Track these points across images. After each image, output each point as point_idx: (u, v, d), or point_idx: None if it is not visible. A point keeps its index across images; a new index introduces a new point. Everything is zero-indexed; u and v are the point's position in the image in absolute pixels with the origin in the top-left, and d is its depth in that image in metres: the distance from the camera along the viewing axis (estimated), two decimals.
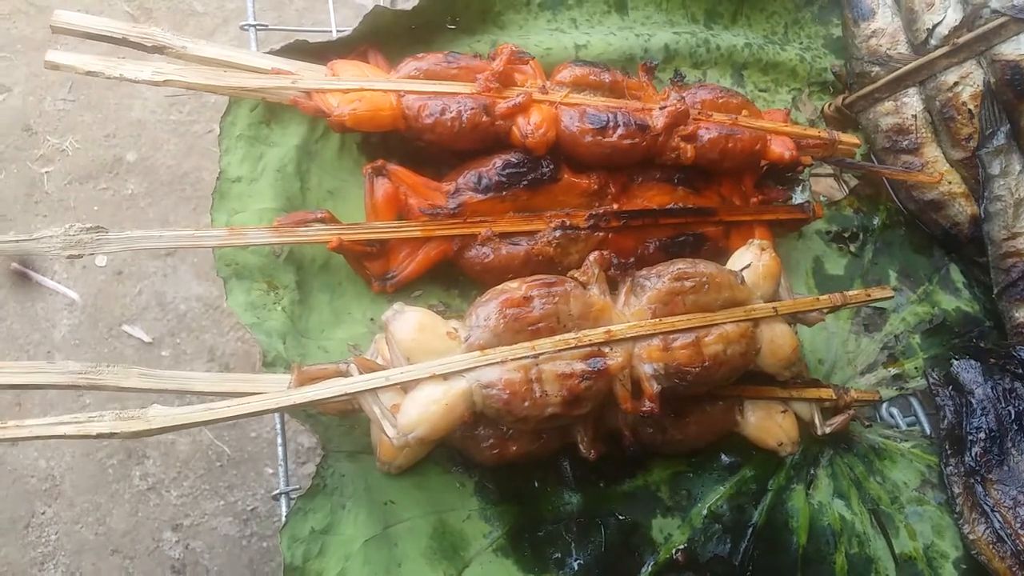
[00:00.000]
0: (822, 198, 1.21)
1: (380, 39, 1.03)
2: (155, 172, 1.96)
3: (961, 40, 1.15)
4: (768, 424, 0.96)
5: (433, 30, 1.09)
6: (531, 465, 0.91)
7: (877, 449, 1.04)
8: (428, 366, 0.80)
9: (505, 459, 0.87)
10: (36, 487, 1.64)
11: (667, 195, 1.04)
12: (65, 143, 1.93)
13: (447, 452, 0.90)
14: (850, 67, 1.26)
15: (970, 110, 1.16)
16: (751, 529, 0.93)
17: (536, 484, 0.92)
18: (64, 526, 1.62)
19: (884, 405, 1.10)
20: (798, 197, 1.18)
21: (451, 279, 1.00)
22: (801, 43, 1.31)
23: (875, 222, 1.21)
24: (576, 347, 0.83)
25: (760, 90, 1.25)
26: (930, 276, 1.20)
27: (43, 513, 1.62)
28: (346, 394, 0.78)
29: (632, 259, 0.90)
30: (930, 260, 1.21)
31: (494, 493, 0.89)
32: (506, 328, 0.82)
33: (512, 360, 0.81)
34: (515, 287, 0.84)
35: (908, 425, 1.09)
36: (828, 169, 1.22)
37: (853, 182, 1.23)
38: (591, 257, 0.88)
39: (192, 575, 1.61)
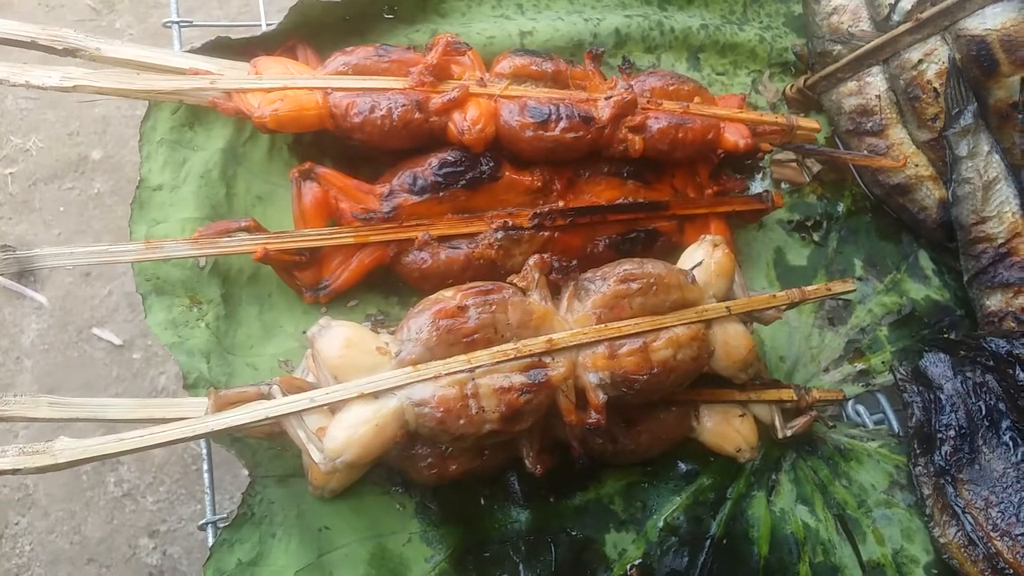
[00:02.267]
0: (784, 185, 1.16)
1: (311, 32, 0.97)
2: (121, 169, 1.91)
3: (924, 15, 1.09)
4: (725, 429, 0.91)
5: (369, 20, 1.04)
6: (476, 482, 0.87)
7: (843, 450, 1.00)
8: (356, 385, 0.75)
9: (445, 478, 0.82)
10: (9, 497, 1.60)
11: (616, 190, 0.98)
12: (29, 143, 1.89)
13: (386, 472, 0.85)
14: (811, 46, 1.21)
15: (935, 89, 1.11)
16: (709, 541, 0.89)
17: (482, 502, 0.87)
18: (38, 536, 1.58)
19: (850, 403, 1.05)
20: (757, 186, 1.13)
21: (390, 286, 0.94)
22: (761, 22, 1.26)
23: (840, 209, 1.16)
24: (515, 358, 0.78)
25: (718, 74, 1.19)
26: (898, 264, 1.15)
27: (17, 523, 1.59)
28: (267, 418, 0.73)
29: (575, 261, 0.84)
30: (898, 247, 1.16)
31: (436, 514, 0.84)
32: (439, 341, 0.77)
33: (446, 375, 0.76)
34: (449, 296, 0.79)
35: (875, 423, 1.04)
36: (790, 154, 1.17)
37: (817, 167, 1.18)
38: (531, 261, 0.83)
39: None
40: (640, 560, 0.87)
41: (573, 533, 0.87)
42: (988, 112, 1.10)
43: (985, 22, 1.07)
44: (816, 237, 1.14)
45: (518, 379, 0.77)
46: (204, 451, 0.85)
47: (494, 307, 0.79)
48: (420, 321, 0.78)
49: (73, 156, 1.89)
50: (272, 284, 0.91)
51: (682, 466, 0.93)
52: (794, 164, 1.17)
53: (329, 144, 0.96)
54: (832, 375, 1.06)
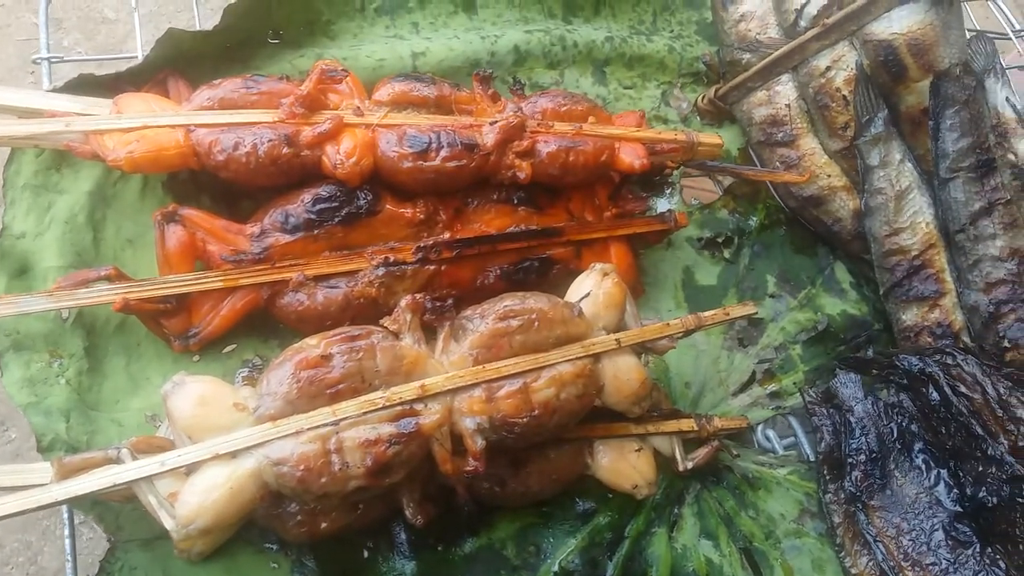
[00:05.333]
0: (694, 201, 1.12)
1: (188, 64, 0.92)
2: None
3: (831, 20, 1.06)
4: (621, 466, 0.87)
5: (253, 47, 0.99)
6: (358, 534, 0.83)
7: (750, 479, 0.96)
8: (210, 445, 0.71)
9: (317, 536, 0.78)
10: None
11: (507, 217, 0.94)
12: None
13: (260, 528, 0.81)
14: (722, 55, 1.17)
15: (844, 96, 1.07)
16: None
17: (365, 554, 0.83)
18: None
19: (760, 428, 1.02)
20: (667, 203, 1.09)
21: (270, 328, 0.90)
22: (671, 31, 1.22)
23: (752, 223, 1.13)
24: (384, 407, 0.74)
25: (625, 87, 1.16)
26: (813, 279, 1.11)
27: None
28: (114, 485, 0.69)
29: (450, 301, 0.80)
30: (813, 260, 1.13)
31: (313, 571, 0.80)
32: (301, 394, 0.73)
33: (308, 430, 0.72)
34: (312, 344, 0.75)
35: (787, 448, 1.01)
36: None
37: (729, 181, 1.14)
38: (402, 302, 0.79)
39: None
40: None
41: None
42: (900, 119, 1.07)
43: (892, 26, 1.03)
44: (727, 254, 1.10)
45: (386, 430, 0.74)
46: (65, 515, 0.80)
47: (361, 354, 0.75)
48: (280, 374, 0.74)
49: None
50: (141, 333, 0.86)
51: (580, 505, 0.89)
52: (706, 179, 1.14)
53: (207, 181, 0.92)
54: (741, 399, 1.02)
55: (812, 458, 0.98)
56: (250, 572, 0.79)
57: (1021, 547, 0.86)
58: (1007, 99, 0.97)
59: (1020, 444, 0.89)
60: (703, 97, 1.19)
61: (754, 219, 1.13)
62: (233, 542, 0.80)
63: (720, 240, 1.10)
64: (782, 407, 1.02)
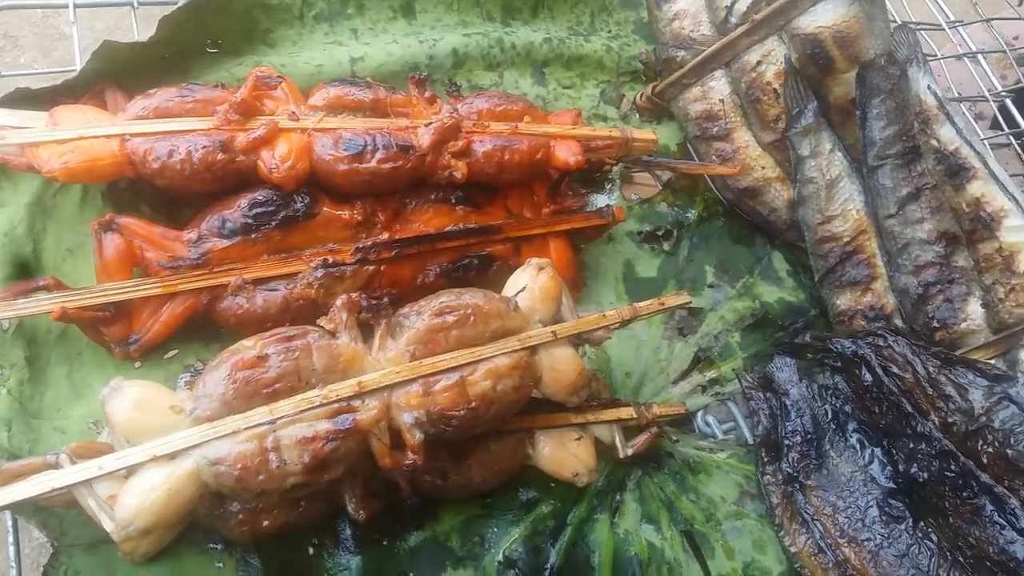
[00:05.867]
0: (634, 196, 1.15)
1: (126, 75, 0.93)
2: None
3: (759, 16, 1.09)
4: (562, 455, 0.89)
5: (192, 57, 1.01)
6: (303, 531, 0.84)
7: (691, 464, 0.98)
8: (148, 448, 0.72)
9: (259, 534, 0.79)
10: None
11: (446, 216, 0.96)
12: None
13: (205, 529, 0.82)
14: (658, 53, 1.20)
15: (775, 89, 1.10)
16: (549, 571, 0.87)
17: (311, 551, 0.84)
18: None
19: (700, 413, 1.04)
20: (604, 200, 1.11)
21: (212, 332, 0.91)
22: (609, 31, 1.24)
23: (691, 216, 1.15)
24: (321, 405, 0.75)
25: (564, 87, 1.18)
26: (751, 268, 1.14)
27: None
28: (53, 490, 0.70)
29: (386, 299, 0.82)
30: (751, 250, 1.15)
31: (257, 570, 0.81)
32: (237, 394, 0.74)
33: (246, 429, 0.73)
34: (248, 346, 0.76)
35: (725, 433, 1.03)
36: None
37: (667, 175, 1.17)
38: (338, 302, 0.80)
39: None
40: None
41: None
42: (830, 110, 1.10)
43: (817, 19, 1.06)
44: (667, 247, 1.12)
45: (323, 427, 0.75)
46: (9, 522, 0.81)
47: (297, 353, 0.76)
48: (216, 375, 0.75)
49: None
50: (83, 342, 0.87)
51: (523, 495, 0.91)
52: (644, 174, 1.16)
53: (147, 191, 0.93)
54: (681, 387, 1.04)
55: (751, 441, 1.01)
56: (195, 573, 0.80)
57: (951, 520, 0.89)
58: (928, 87, 0.99)
59: (949, 420, 0.92)
60: (641, 95, 1.21)
61: (693, 212, 1.16)
62: (178, 543, 0.80)
63: (660, 233, 1.13)
64: (721, 393, 1.05)
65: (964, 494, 0.88)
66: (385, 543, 0.86)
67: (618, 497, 0.94)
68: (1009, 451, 0.87)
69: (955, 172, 0.97)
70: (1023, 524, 0.84)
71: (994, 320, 0.97)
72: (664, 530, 0.93)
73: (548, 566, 0.87)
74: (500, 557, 0.87)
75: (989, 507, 0.86)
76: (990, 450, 0.89)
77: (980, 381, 0.93)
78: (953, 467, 0.89)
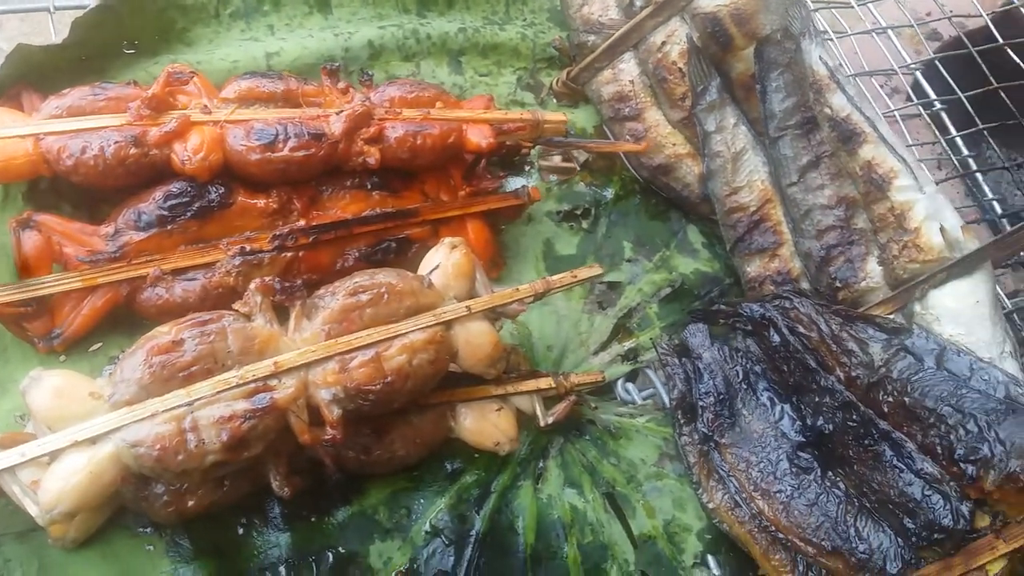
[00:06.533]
0: (552, 178, 1.18)
1: (43, 78, 0.95)
2: None
3: None
4: (483, 425, 0.92)
5: (108, 58, 1.03)
6: (231, 510, 0.86)
7: (612, 430, 1.02)
8: (68, 434, 0.74)
9: (185, 514, 0.81)
10: None
11: (362, 202, 0.99)
12: None
13: (134, 512, 0.84)
14: (571, 39, 1.23)
15: (680, 69, 1.14)
16: (474, 537, 0.90)
17: (240, 531, 0.86)
18: None
19: (620, 382, 1.08)
20: (520, 182, 1.15)
21: (135, 324, 0.93)
22: (524, 19, 1.28)
23: (608, 194, 1.19)
24: (238, 385, 0.78)
25: (481, 75, 1.21)
26: (667, 242, 1.18)
27: None
28: None
29: (300, 281, 0.85)
30: (667, 225, 1.20)
31: (187, 550, 0.83)
32: (154, 378, 0.76)
33: (164, 412, 0.75)
34: (164, 331, 0.79)
35: (645, 399, 1.07)
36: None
37: (585, 156, 1.21)
38: (252, 285, 0.82)
39: None
40: (406, 566, 0.88)
41: (338, 549, 0.88)
42: (733, 86, 1.15)
43: None
44: (585, 225, 1.16)
45: (241, 406, 0.77)
46: None
47: (212, 336, 0.79)
48: (133, 361, 0.77)
49: None
50: (7, 338, 0.89)
51: (448, 466, 0.94)
52: (562, 156, 1.20)
53: (66, 189, 0.95)
54: (601, 357, 1.08)
55: (669, 406, 1.04)
56: (126, 556, 0.82)
57: (856, 468, 0.93)
58: (820, 58, 1.04)
59: (853, 374, 0.97)
60: (557, 80, 1.25)
61: (610, 190, 1.19)
62: (108, 528, 0.83)
63: (578, 212, 1.17)
64: (640, 362, 1.09)
65: (866, 442, 0.93)
66: (313, 519, 0.88)
67: (541, 464, 0.98)
68: (906, 399, 0.92)
69: (847, 138, 1.02)
70: (919, 466, 0.89)
71: (891, 276, 1.02)
72: (586, 493, 0.96)
73: (473, 532, 0.90)
74: (427, 527, 0.90)
75: (888, 452, 0.91)
76: (890, 399, 0.94)
77: (879, 335, 0.98)
78: (855, 417, 0.94)
